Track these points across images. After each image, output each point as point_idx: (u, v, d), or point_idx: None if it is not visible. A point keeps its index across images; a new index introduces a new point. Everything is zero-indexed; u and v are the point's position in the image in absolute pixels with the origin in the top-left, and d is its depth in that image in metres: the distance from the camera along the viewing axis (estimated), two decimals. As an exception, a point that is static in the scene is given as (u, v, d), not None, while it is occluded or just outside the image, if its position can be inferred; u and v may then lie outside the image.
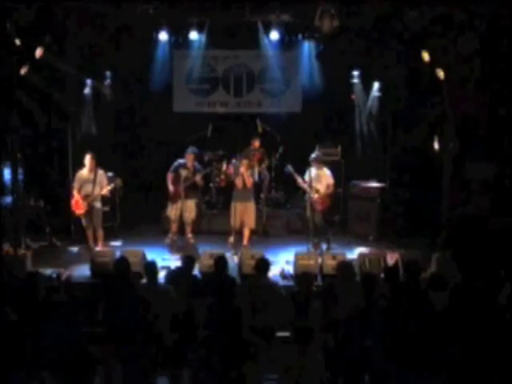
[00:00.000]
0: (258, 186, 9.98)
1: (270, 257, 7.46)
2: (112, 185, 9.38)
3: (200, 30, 10.36)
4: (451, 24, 8.36)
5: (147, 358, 5.37)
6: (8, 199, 9.00)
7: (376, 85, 11.14)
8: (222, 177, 10.87)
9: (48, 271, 7.61)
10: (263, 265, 6.35)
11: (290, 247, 9.21)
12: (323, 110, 11.45)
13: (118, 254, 7.93)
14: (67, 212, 9.69)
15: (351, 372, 5.21)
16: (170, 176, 9.48)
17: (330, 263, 7.81)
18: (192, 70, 11.84)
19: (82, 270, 8.29)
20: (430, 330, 5.18)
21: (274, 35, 10.07)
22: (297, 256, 8.12)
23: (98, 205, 9.15)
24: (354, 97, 11.50)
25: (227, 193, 10.40)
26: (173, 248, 9.36)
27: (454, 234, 8.68)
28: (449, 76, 8.61)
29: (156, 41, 10.73)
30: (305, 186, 9.20)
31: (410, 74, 9.61)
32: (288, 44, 11.23)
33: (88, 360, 5.30)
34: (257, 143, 10.77)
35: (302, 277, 6.48)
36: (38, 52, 8.66)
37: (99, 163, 9.22)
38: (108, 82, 11.24)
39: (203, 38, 10.81)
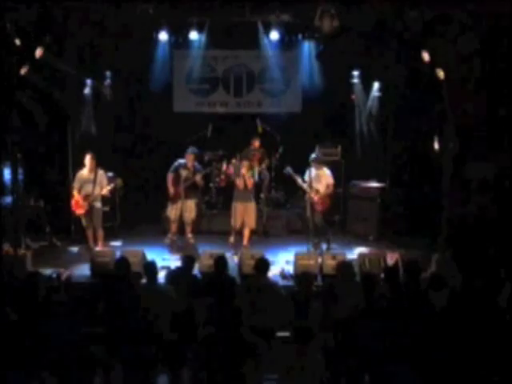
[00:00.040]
0: (258, 186, 9.98)
1: (269, 257, 7.46)
2: (112, 185, 9.38)
3: (200, 30, 10.36)
4: (451, 24, 8.36)
5: (147, 357, 5.37)
6: (8, 199, 8.99)
7: (376, 85, 11.15)
8: (222, 177, 10.87)
9: (48, 271, 7.61)
10: (263, 265, 6.35)
11: (290, 247, 9.21)
12: (323, 109, 11.45)
13: (118, 254, 7.94)
14: (67, 212, 9.69)
15: (351, 372, 5.21)
16: (170, 176, 9.48)
17: (330, 263, 7.81)
18: (192, 70, 11.84)
19: (82, 270, 8.29)
20: (430, 330, 5.18)
21: (274, 35, 10.07)
22: (297, 256, 8.12)
23: (98, 205, 9.15)
24: (353, 97, 11.50)
25: (227, 193, 10.40)
26: (173, 248, 9.36)
27: (454, 234, 8.68)
28: (449, 76, 8.61)
29: (156, 41, 10.72)
30: (305, 186, 9.20)
31: (410, 74, 9.61)
32: (288, 44, 11.24)
33: (88, 360, 5.30)
34: (257, 143, 10.77)
35: (302, 277, 6.47)
36: (38, 52, 8.66)
37: (99, 163, 9.22)
38: (108, 82, 11.25)
39: (203, 38, 10.80)
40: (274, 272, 7.94)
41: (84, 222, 9.17)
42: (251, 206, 9.34)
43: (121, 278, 6.04)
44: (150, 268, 6.23)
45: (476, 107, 8.53)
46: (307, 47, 11.59)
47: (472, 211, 8.72)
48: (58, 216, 10.01)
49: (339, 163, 10.88)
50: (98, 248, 8.99)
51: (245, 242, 9.28)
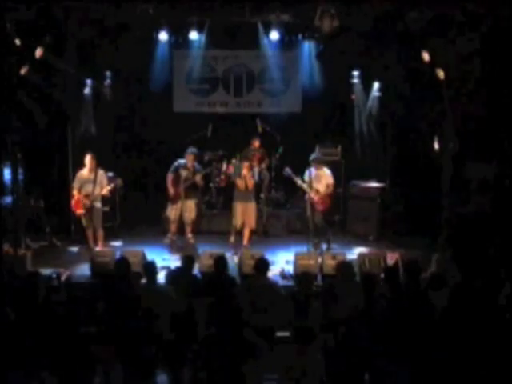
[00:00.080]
0: (258, 186, 9.98)
1: (269, 257, 7.46)
2: (112, 185, 9.38)
3: (200, 30, 10.35)
4: (451, 24, 8.36)
5: (147, 357, 5.37)
6: (8, 199, 8.99)
7: (376, 85, 11.14)
8: (222, 177, 10.87)
9: (48, 271, 7.60)
10: (263, 265, 6.35)
11: (290, 247, 9.21)
12: (323, 110, 11.46)
13: (118, 254, 7.94)
14: (67, 212, 9.69)
15: (351, 372, 5.21)
16: (169, 176, 9.47)
17: (330, 263, 7.81)
18: (192, 70, 11.84)
19: (82, 270, 8.29)
20: (430, 330, 5.18)
21: (274, 35, 10.07)
22: (297, 256, 8.11)
23: (98, 205, 9.15)
24: (353, 97, 11.50)
25: (227, 193, 10.41)
26: (172, 248, 9.36)
27: (454, 234, 8.68)
28: (449, 76, 8.61)
29: (156, 41, 10.72)
30: (304, 186, 9.20)
31: (410, 74, 9.61)
32: (288, 44, 11.23)
33: (88, 360, 5.30)
34: (257, 143, 10.77)
35: (302, 277, 6.48)
36: (38, 52, 8.66)
37: (99, 163, 9.22)
38: (108, 82, 11.26)
39: (203, 38, 10.80)
40: (274, 272, 7.94)
41: (84, 222, 9.16)
42: (251, 206, 9.34)
43: (121, 277, 6.04)
44: (150, 268, 6.23)
45: (476, 107, 8.53)
46: (307, 47, 11.59)
47: (472, 211, 8.72)
48: (58, 216, 10.02)
49: (339, 163, 10.88)
50: (98, 248, 8.99)
51: (245, 242, 9.28)
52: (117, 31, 9.84)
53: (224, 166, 10.83)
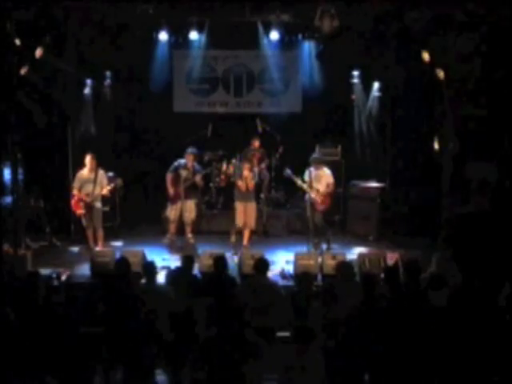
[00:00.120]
0: (258, 186, 9.98)
1: (269, 257, 7.46)
2: (112, 185, 9.38)
3: (200, 30, 10.36)
4: (451, 24, 8.36)
5: (147, 357, 5.37)
6: (8, 199, 8.98)
7: (376, 85, 11.15)
8: (222, 177, 10.87)
9: (48, 271, 7.61)
10: (262, 265, 6.34)
11: (290, 247, 9.22)
12: (323, 110, 11.46)
13: (117, 254, 7.94)
14: (67, 212, 9.70)
15: (351, 372, 5.21)
16: (169, 176, 9.47)
17: (330, 263, 7.80)
18: (192, 70, 11.84)
19: (82, 270, 8.29)
20: (430, 330, 5.18)
21: (274, 35, 10.07)
22: (297, 256, 8.11)
23: (98, 205, 9.15)
24: (353, 97, 11.51)
25: (227, 193, 10.41)
26: (172, 248, 9.36)
27: (454, 234, 8.68)
28: (449, 76, 8.61)
29: (156, 41, 10.72)
30: (305, 186, 9.20)
31: (410, 74, 9.61)
32: (288, 44, 11.24)
33: (88, 360, 5.29)
34: (257, 143, 10.77)
35: (302, 277, 6.48)
36: (38, 52, 8.66)
37: (99, 163, 9.22)
38: (108, 82, 11.26)
39: (203, 38, 10.81)
40: (274, 272, 7.94)
41: (84, 222, 9.17)
42: (251, 206, 9.35)
43: (121, 278, 6.03)
44: (149, 268, 6.23)
45: (476, 107, 8.52)
46: (307, 47, 11.60)
47: (472, 211, 8.72)
48: (58, 216, 10.02)
49: (339, 163, 10.89)
50: (98, 248, 8.99)
51: (245, 242, 9.29)
52: (117, 31, 9.84)
53: (224, 166, 10.83)
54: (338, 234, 10.23)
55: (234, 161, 10.54)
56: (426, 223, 9.41)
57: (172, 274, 6.82)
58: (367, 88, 11.31)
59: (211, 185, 11.03)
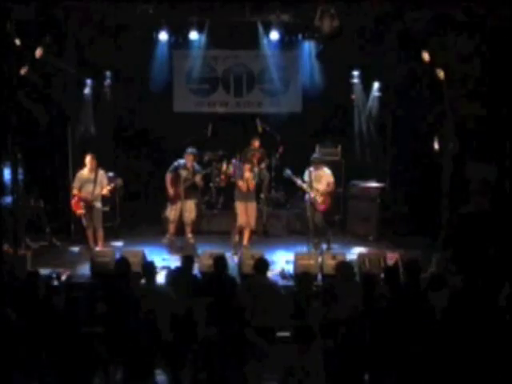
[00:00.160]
0: (258, 186, 9.97)
1: (269, 257, 7.45)
2: (112, 185, 9.37)
3: (200, 30, 10.36)
4: (451, 24, 8.36)
5: (147, 358, 5.37)
6: (8, 199, 8.98)
7: (376, 85, 11.15)
8: (222, 177, 10.86)
9: (48, 271, 7.61)
10: (262, 265, 6.34)
11: (290, 247, 9.22)
12: (323, 110, 11.45)
13: (118, 254, 7.94)
14: (67, 212, 9.69)
15: (351, 372, 5.21)
16: (169, 176, 9.46)
17: (330, 263, 7.80)
18: (192, 70, 11.84)
19: (82, 270, 8.29)
20: (430, 330, 5.18)
21: (274, 35, 10.07)
22: (297, 256, 8.11)
23: (98, 205, 9.15)
24: (353, 97, 11.51)
25: (227, 193, 10.41)
26: (172, 248, 9.35)
27: (454, 234, 8.68)
28: (449, 76, 8.61)
29: (156, 41, 10.73)
30: (305, 186, 9.20)
31: (410, 74, 9.61)
32: (288, 44, 11.23)
33: (88, 360, 5.29)
34: (257, 143, 10.76)
35: (302, 277, 6.48)
36: (38, 52, 8.66)
37: (99, 163, 9.22)
38: (108, 82, 11.26)
39: (203, 38, 10.82)
40: (274, 272, 7.94)
41: (84, 221, 9.16)
42: (252, 206, 9.34)
43: (121, 278, 6.03)
44: (149, 268, 6.22)
45: (476, 107, 8.53)
46: (307, 47, 11.60)
47: (472, 211, 8.72)
48: (58, 216, 10.01)
49: (339, 163, 10.88)
50: (98, 248, 8.99)
51: (245, 241, 9.28)
52: (117, 31, 9.85)
53: (224, 166, 10.82)
54: (338, 234, 10.23)
55: (233, 161, 10.53)
56: (426, 223, 9.41)
57: (172, 274, 6.82)
58: (367, 88, 11.31)
59: (211, 185, 11.03)
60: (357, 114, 11.53)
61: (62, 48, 9.35)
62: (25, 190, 9.54)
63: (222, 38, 11.09)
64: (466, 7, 8.13)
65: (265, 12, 9.67)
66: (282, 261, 8.67)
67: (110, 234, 9.78)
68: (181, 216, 9.46)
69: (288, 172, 9.20)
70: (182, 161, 9.50)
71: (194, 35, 10.29)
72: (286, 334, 5.56)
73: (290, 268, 8.19)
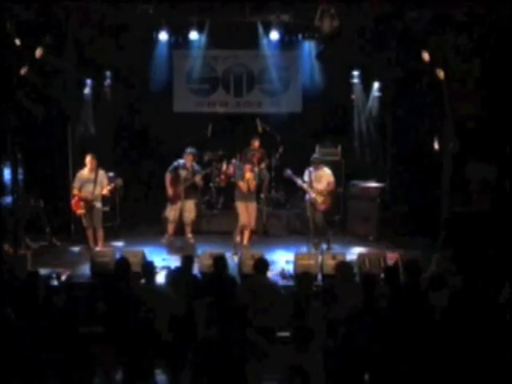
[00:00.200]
0: (258, 186, 9.97)
1: (269, 257, 7.45)
2: (112, 185, 9.37)
3: (200, 30, 10.37)
4: (451, 24, 8.36)
5: (147, 357, 5.37)
6: (8, 199, 8.99)
7: (376, 85, 11.16)
8: (222, 177, 10.87)
9: (48, 271, 7.61)
10: (262, 265, 6.34)
11: (290, 247, 9.22)
12: (323, 110, 11.46)
13: (118, 254, 7.94)
14: (67, 212, 9.69)
15: (351, 372, 5.21)
16: (168, 176, 9.45)
17: (329, 263, 7.80)
18: (192, 70, 11.85)
19: (82, 270, 8.29)
20: (430, 330, 5.18)
21: (274, 35, 10.07)
22: (297, 256, 8.11)
23: (98, 205, 9.15)
24: (353, 97, 11.51)
25: (227, 193, 10.41)
26: (171, 248, 9.35)
27: (454, 234, 8.68)
28: (449, 76, 8.61)
29: (156, 41, 10.73)
30: (305, 186, 9.20)
31: (410, 74, 9.61)
32: (288, 44, 11.23)
33: (88, 360, 5.30)
34: (257, 143, 10.76)
35: (302, 277, 6.48)
36: (38, 52, 8.66)
37: (99, 163, 9.21)
38: (108, 82, 11.26)
39: (203, 38, 10.83)
40: (274, 272, 7.94)
41: (84, 221, 9.16)
42: (252, 206, 9.34)
43: (121, 277, 6.03)
44: (148, 268, 6.22)
45: (476, 107, 8.53)
46: (307, 47, 11.60)
47: (472, 211, 8.73)
48: (58, 216, 10.01)
49: (339, 163, 10.87)
50: (98, 248, 8.99)
51: (245, 241, 9.27)
52: (117, 31, 9.85)
53: (224, 166, 10.82)
54: (338, 234, 10.22)
55: (233, 161, 10.54)
56: (426, 223, 9.40)
57: (172, 275, 6.82)
58: (367, 88, 11.32)
59: (211, 185, 11.03)
60: (356, 113, 11.53)
61: (61, 48, 9.34)
62: (25, 190, 9.55)
63: (222, 38, 11.09)
64: (466, 7, 8.13)
65: (265, 12, 9.67)
66: (281, 261, 8.66)
67: (110, 234, 9.77)
68: (181, 216, 9.46)
69: (288, 172, 9.20)
70: (181, 161, 9.50)
71: (194, 35, 10.30)
72: (286, 334, 5.56)
73: (290, 268, 8.19)
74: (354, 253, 8.85)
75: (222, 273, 6.38)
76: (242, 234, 9.27)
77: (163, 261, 8.53)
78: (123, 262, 6.24)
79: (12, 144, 8.76)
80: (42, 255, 8.88)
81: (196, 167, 9.52)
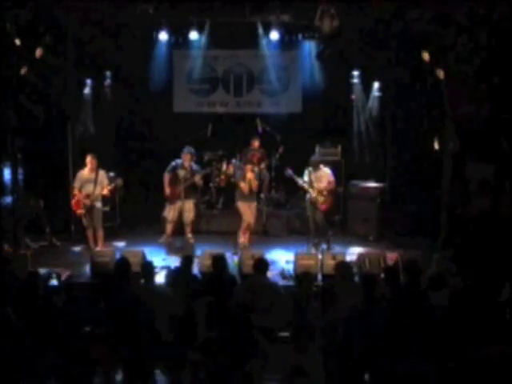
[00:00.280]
0: (258, 186, 9.97)
1: (269, 257, 7.45)
2: (112, 184, 9.37)
3: (200, 30, 10.37)
4: (451, 24, 8.36)
5: (147, 357, 5.37)
6: (8, 199, 8.99)
7: (376, 85, 11.16)
8: (222, 177, 10.87)
9: (48, 271, 7.60)
10: (262, 265, 6.34)
11: (290, 247, 9.22)
12: (323, 110, 11.46)
13: (118, 254, 7.94)
14: (67, 212, 9.69)
15: (351, 372, 5.21)
16: (166, 176, 9.44)
17: (329, 263, 7.79)
18: (192, 70, 11.86)
19: (82, 270, 8.29)
20: (430, 330, 5.18)
21: (274, 35, 10.08)
22: (297, 256, 8.11)
23: (98, 205, 9.14)
24: (353, 97, 11.52)
25: (227, 193, 10.41)
26: (169, 249, 9.34)
27: (454, 234, 8.68)
28: (449, 76, 8.61)
29: (156, 41, 10.74)
30: (306, 186, 9.20)
31: (410, 74, 9.61)
32: (288, 44, 11.24)
33: (88, 360, 5.30)
34: (256, 143, 10.77)
35: (302, 277, 6.47)
36: (38, 52, 8.66)
37: (99, 163, 9.21)
38: (108, 82, 11.27)
39: (203, 38, 10.84)
40: (274, 272, 7.94)
41: (84, 221, 9.16)
42: (253, 206, 9.35)
43: (121, 277, 6.03)
44: (147, 268, 6.21)
45: (476, 107, 8.53)
46: (307, 47, 11.60)
47: (472, 211, 8.72)
48: (58, 216, 10.01)
49: (339, 163, 10.87)
50: (98, 248, 8.99)
51: (245, 241, 9.27)
52: (117, 31, 9.85)
53: (224, 166, 10.82)
54: (338, 234, 10.22)
55: (233, 161, 10.53)
56: (426, 223, 9.41)
57: (171, 275, 6.81)
58: (367, 88, 11.32)
59: (211, 185, 11.03)
60: (356, 114, 11.54)
61: (61, 48, 9.35)
62: (25, 190, 9.54)
63: (222, 38, 11.10)
64: (466, 7, 8.13)
65: (265, 12, 9.68)
66: (281, 261, 8.67)
67: (110, 234, 9.78)
68: (180, 216, 9.45)
69: (289, 172, 9.20)
70: (179, 161, 9.48)
71: (194, 35, 10.30)
72: (286, 334, 5.56)
73: (290, 268, 8.20)
74: (353, 253, 8.85)
75: (221, 273, 6.38)
76: (245, 234, 9.25)
77: (163, 261, 8.53)
78: (123, 262, 6.23)
79: (12, 144, 8.76)
80: (41, 255, 8.88)
81: (194, 167, 9.51)
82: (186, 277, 6.49)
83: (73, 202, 9.12)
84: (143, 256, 7.99)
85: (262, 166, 10.63)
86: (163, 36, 10.33)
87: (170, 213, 9.48)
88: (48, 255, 9.05)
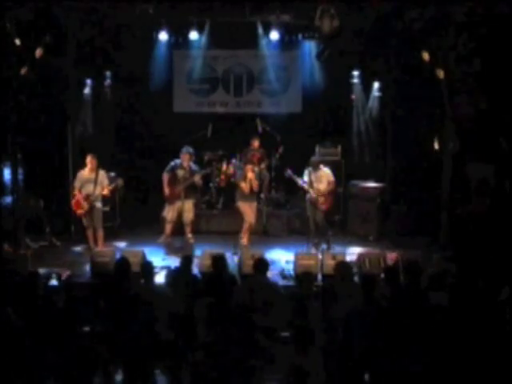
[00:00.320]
0: (258, 186, 9.96)
1: (269, 257, 7.44)
2: (113, 185, 9.37)
3: (200, 30, 10.38)
4: (451, 24, 8.36)
5: (147, 358, 5.37)
6: (8, 199, 8.99)
7: (376, 85, 11.16)
8: (222, 177, 10.86)
9: (48, 271, 7.60)
10: (262, 265, 6.33)
11: (290, 247, 9.22)
12: (323, 110, 11.46)
13: (118, 254, 7.94)
14: (67, 212, 9.69)
15: (351, 372, 5.21)
16: (165, 176, 9.43)
17: (329, 263, 7.79)
18: (192, 70, 11.87)
19: (82, 270, 8.29)
20: (430, 330, 5.18)
21: (274, 35, 10.08)
22: (297, 256, 8.11)
23: (98, 205, 9.14)
24: (353, 97, 11.52)
25: (227, 193, 10.41)
26: (169, 249, 9.34)
27: (454, 234, 8.68)
28: (448, 76, 8.61)
29: (156, 41, 10.75)
30: (306, 186, 9.20)
31: (410, 74, 9.61)
32: (288, 44, 11.25)
33: (88, 360, 5.30)
34: (256, 143, 10.77)
35: (302, 277, 6.47)
36: (38, 52, 8.67)
37: (99, 163, 9.21)
38: (108, 82, 11.27)
39: (203, 38, 10.85)
40: (273, 272, 7.93)
41: (84, 221, 9.15)
42: (254, 206, 9.35)
43: (121, 278, 6.03)
44: (147, 268, 6.21)
45: (476, 107, 8.53)
46: (307, 47, 11.61)
47: (472, 211, 8.73)
48: (58, 216, 10.01)
49: (339, 163, 10.88)
50: (98, 248, 8.99)
51: (245, 241, 9.27)
52: (117, 31, 9.85)
53: (224, 166, 10.82)
54: (338, 234, 10.22)
55: (233, 161, 10.53)
56: (426, 223, 9.41)
57: (171, 275, 6.81)
58: (367, 88, 11.32)
59: (211, 185, 11.03)
60: (356, 114, 11.54)
61: (62, 48, 9.35)
62: (25, 190, 9.54)
63: (222, 38, 11.10)
64: (466, 7, 8.13)
65: (265, 12, 9.69)
66: (282, 261, 8.67)
67: (110, 234, 9.78)
68: (180, 216, 9.44)
69: (289, 172, 9.20)
70: (178, 161, 9.46)
71: (194, 35, 10.31)
72: (286, 334, 5.56)
73: (290, 268, 8.20)
74: (353, 253, 8.84)
75: (221, 273, 6.38)
76: (246, 234, 9.25)
77: (163, 261, 8.53)
78: (123, 262, 6.23)
79: (12, 144, 8.76)
80: (41, 255, 8.88)
81: (193, 167, 9.50)
82: (186, 277, 6.48)
83: (73, 202, 9.12)
84: (143, 256, 7.99)
85: (262, 165, 10.63)
86: (163, 36, 10.34)
87: (169, 213, 9.47)
88: (48, 255, 9.04)
